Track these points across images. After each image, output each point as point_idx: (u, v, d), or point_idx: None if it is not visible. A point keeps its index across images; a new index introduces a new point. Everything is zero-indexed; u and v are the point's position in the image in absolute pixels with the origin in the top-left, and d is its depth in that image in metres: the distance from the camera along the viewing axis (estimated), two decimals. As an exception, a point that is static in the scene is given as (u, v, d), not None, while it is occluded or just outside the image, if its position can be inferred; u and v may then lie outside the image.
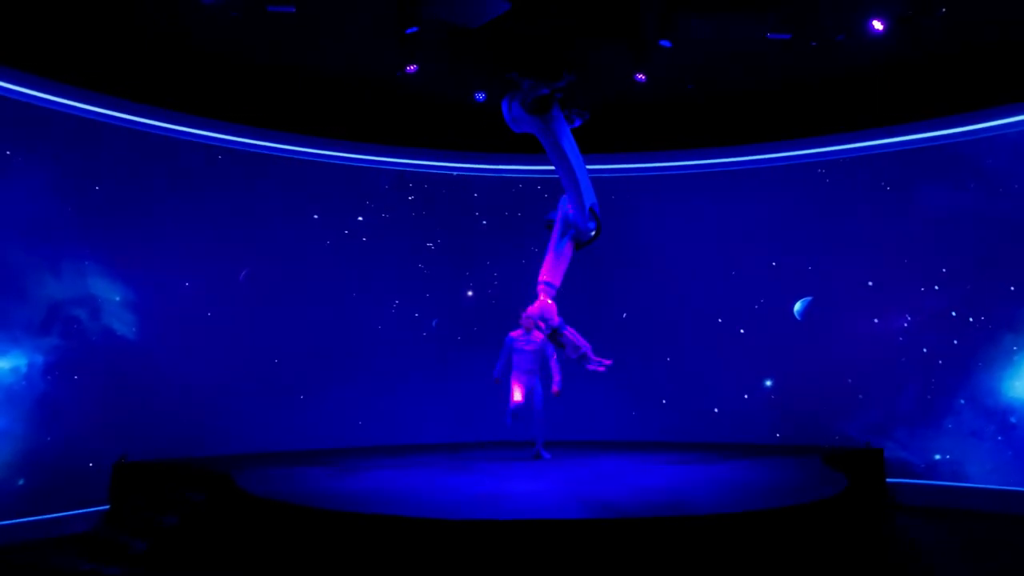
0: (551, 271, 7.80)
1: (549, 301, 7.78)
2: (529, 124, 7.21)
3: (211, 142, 9.82)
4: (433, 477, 7.79)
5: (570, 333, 7.80)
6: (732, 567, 5.64)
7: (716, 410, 10.68)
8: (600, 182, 11.29)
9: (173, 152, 9.50)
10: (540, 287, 7.79)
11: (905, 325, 9.77)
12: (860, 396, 9.94)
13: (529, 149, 8.50)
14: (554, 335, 7.84)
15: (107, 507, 8.51)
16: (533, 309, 8.09)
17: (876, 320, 9.94)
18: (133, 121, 9.16)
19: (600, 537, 5.60)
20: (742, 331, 10.69)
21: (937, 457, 9.42)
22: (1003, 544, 7.73)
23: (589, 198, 7.40)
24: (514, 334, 8.91)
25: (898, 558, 7.23)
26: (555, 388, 8.74)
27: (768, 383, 10.52)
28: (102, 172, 8.96)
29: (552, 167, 7.86)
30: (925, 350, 9.62)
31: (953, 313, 9.46)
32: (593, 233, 7.74)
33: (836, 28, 8.51)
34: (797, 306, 10.37)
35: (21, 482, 8.10)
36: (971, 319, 9.35)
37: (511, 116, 7.29)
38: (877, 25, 8.21)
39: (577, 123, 7.81)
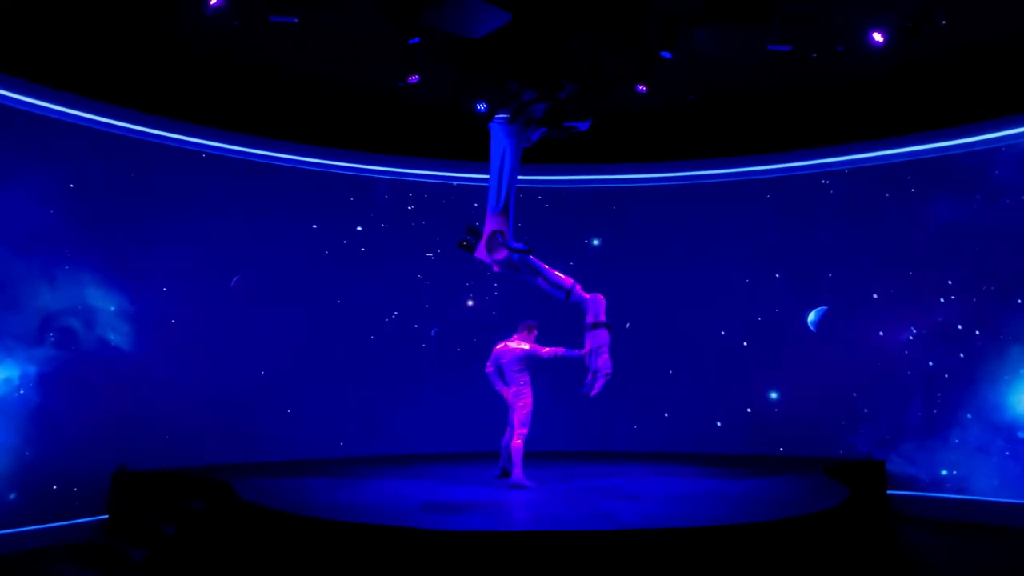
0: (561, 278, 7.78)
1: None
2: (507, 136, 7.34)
3: (208, 151, 9.77)
4: (432, 487, 7.73)
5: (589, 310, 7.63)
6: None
7: (719, 423, 10.57)
8: (603, 193, 11.34)
9: (169, 161, 9.46)
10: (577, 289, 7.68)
11: (911, 338, 9.66)
12: (865, 410, 9.83)
13: (529, 159, 8.46)
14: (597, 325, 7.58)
15: (106, 517, 8.44)
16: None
17: (881, 333, 9.83)
18: (130, 129, 9.14)
19: (600, 548, 5.52)
20: (745, 343, 10.59)
21: (944, 472, 9.29)
22: (1007, 555, 7.67)
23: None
24: (498, 346, 8.07)
25: (900, 568, 7.16)
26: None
27: (773, 395, 10.41)
28: (97, 181, 8.91)
29: (545, 177, 7.89)
30: (931, 363, 9.51)
31: (959, 326, 9.35)
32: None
33: (837, 40, 8.46)
34: (811, 316, 10.27)
35: (12, 496, 8.02)
36: (978, 332, 9.24)
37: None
38: (877, 37, 8.16)
39: (582, 127, 7.77)
